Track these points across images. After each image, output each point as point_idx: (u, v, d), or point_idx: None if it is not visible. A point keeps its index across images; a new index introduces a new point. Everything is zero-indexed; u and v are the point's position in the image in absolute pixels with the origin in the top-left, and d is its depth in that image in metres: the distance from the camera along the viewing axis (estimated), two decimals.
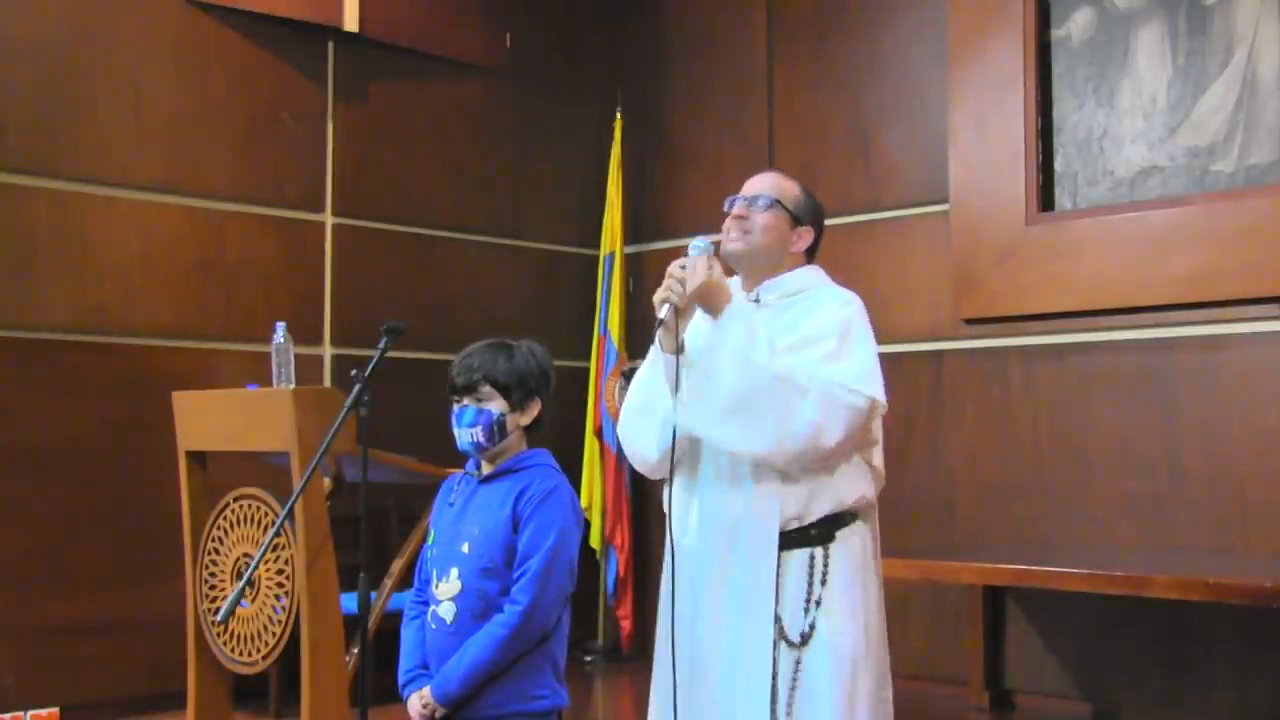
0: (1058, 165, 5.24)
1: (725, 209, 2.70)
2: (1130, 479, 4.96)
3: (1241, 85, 4.78)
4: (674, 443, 2.54)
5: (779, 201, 2.66)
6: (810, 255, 2.74)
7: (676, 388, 2.48)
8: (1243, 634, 4.60)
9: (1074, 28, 5.22)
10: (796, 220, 2.68)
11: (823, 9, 6.02)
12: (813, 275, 2.71)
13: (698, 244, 2.53)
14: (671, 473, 2.61)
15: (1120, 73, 5.09)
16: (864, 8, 5.88)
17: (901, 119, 5.72)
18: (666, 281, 2.49)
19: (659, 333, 2.53)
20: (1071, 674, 5.09)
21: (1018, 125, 5.25)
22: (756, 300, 2.66)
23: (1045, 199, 5.24)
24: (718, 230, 2.73)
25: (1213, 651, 4.71)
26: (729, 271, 2.65)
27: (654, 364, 2.64)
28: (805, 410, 2.40)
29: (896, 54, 5.76)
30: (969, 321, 5.40)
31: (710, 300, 2.49)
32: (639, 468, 2.73)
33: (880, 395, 2.50)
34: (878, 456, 2.62)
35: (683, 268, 2.50)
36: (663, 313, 2.49)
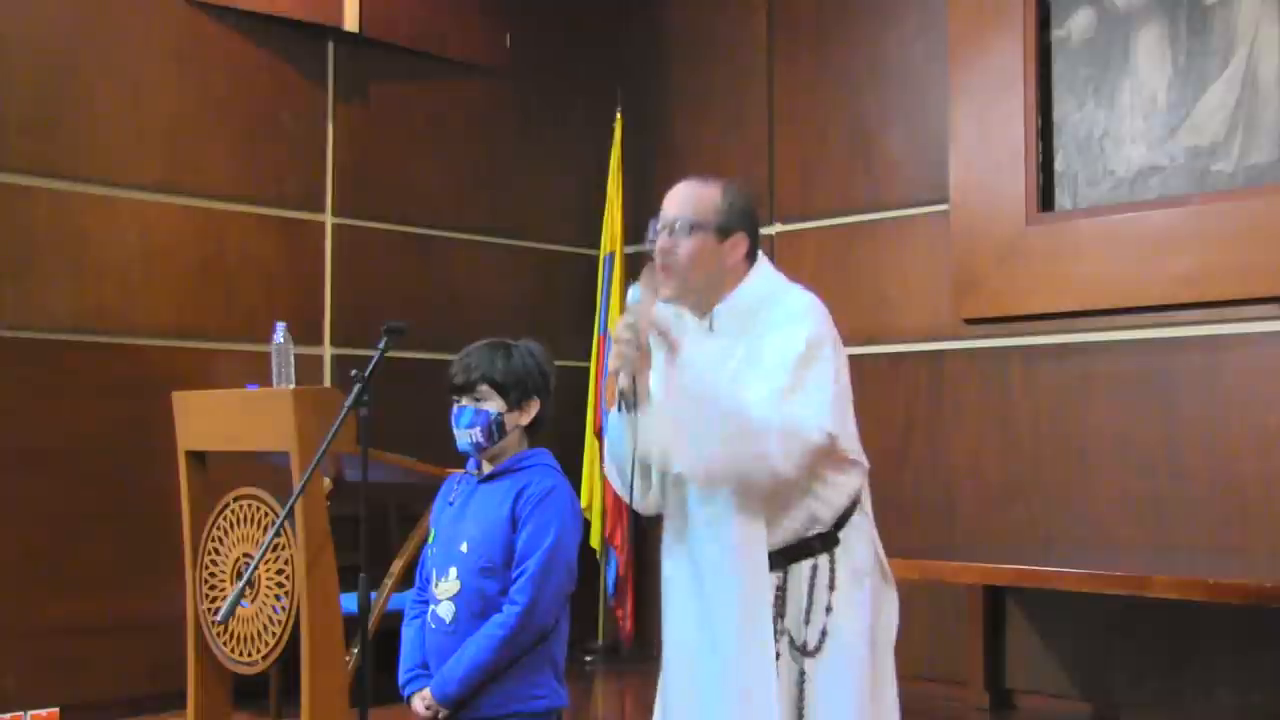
0: (1058, 165, 5.24)
1: (649, 238, 2.53)
2: (1130, 479, 4.96)
3: (1241, 85, 4.78)
4: (632, 478, 2.48)
5: (697, 223, 2.48)
6: (752, 256, 2.57)
7: (636, 443, 2.42)
8: (1243, 634, 4.60)
9: (1074, 28, 5.22)
10: (724, 233, 2.50)
11: (823, 9, 6.02)
12: (763, 283, 2.56)
13: (635, 295, 2.41)
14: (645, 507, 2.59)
15: (1120, 73, 5.09)
16: (864, 8, 5.88)
17: (901, 119, 5.72)
18: (616, 348, 2.37)
19: (620, 400, 2.42)
20: (1071, 674, 5.09)
21: (1018, 125, 5.25)
22: (710, 327, 2.54)
23: (1045, 199, 5.24)
24: None
25: (1213, 651, 4.71)
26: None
27: (619, 421, 2.53)
28: (763, 455, 2.33)
29: (897, 54, 5.76)
30: (969, 321, 5.39)
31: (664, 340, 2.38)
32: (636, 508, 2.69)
33: (835, 427, 2.39)
34: (853, 450, 2.54)
35: (629, 327, 2.36)
36: (622, 381, 2.38)
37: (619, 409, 2.44)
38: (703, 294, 2.53)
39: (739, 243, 2.53)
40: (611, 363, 2.39)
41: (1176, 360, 4.90)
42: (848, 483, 2.53)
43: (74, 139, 5.02)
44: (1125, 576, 4.07)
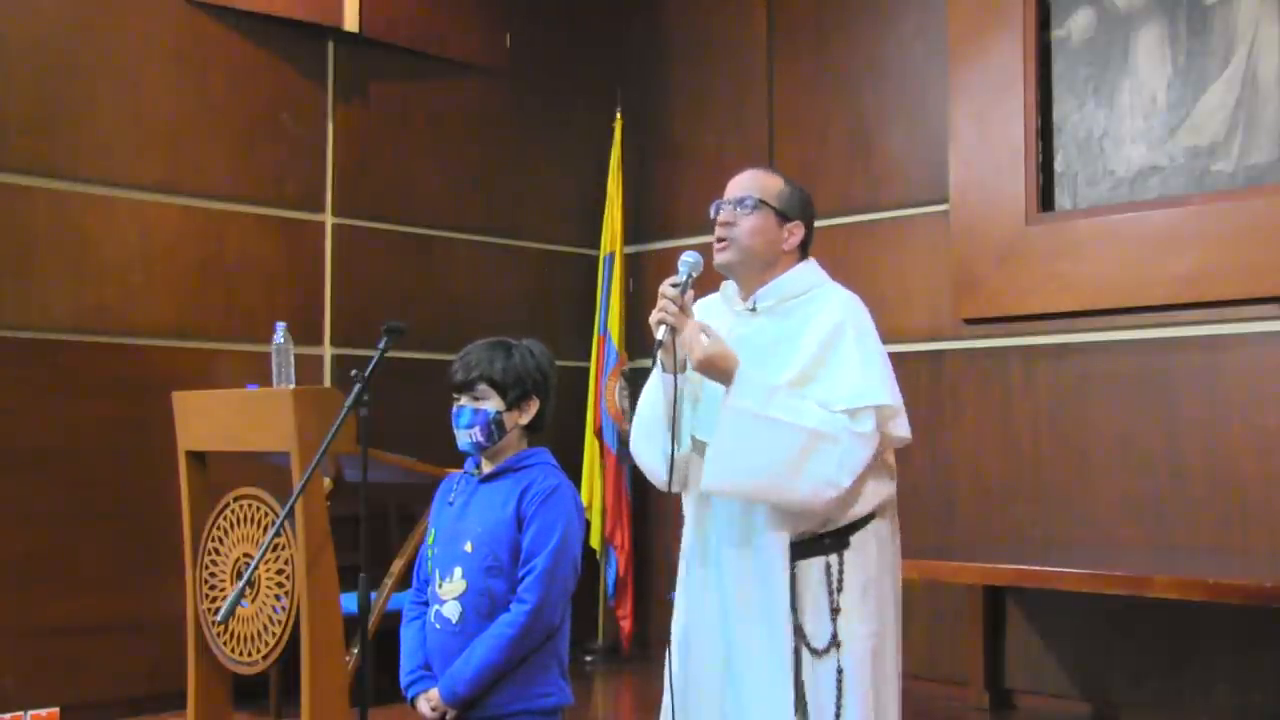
0: (1058, 165, 5.24)
1: (711, 215, 2.67)
2: (1130, 479, 4.96)
3: (1241, 85, 4.78)
4: (672, 462, 2.56)
5: (763, 201, 2.62)
6: (804, 250, 2.69)
7: (675, 407, 2.51)
8: (1243, 634, 4.60)
9: (1074, 28, 5.22)
10: (784, 217, 2.64)
11: (823, 9, 6.02)
12: (810, 275, 2.67)
13: (687, 258, 2.56)
14: (673, 483, 2.63)
15: (1120, 73, 5.09)
16: (864, 8, 5.88)
17: (901, 119, 5.72)
18: (660, 303, 2.50)
19: (659, 354, 2.54)
20: (1071, 674, 5.09)
21: (1018, 125, 5.25)
22: (753, 308, 2.64)
23: (1045, 199, 5.24)
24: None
25: (1213, 651, 4.71)
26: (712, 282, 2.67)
27: (657, 384, 2.64)
28: (827, 463, 2.41)
29: (896, 54, 5.76)
30: (969, 321, 5.40)
31: (715, 370, 2.46)
32: (656, 485, 2.73)
33: (886, 398, 2.48)
34: (890, 453, 2.62)
35: (674, 286, 2.51)
36: (660, 334, 2.51)
37: (656, 365, 2.57)
38: (752, 270, 2.64)
39: (795, 230, 2.66)
40: (653, 316, 2.51)
41: (1176, 360, 4.90)
42: (877, 491, 2.56)
43: (74, 139, 5.02)
44: (1125, 576, 4.07)
